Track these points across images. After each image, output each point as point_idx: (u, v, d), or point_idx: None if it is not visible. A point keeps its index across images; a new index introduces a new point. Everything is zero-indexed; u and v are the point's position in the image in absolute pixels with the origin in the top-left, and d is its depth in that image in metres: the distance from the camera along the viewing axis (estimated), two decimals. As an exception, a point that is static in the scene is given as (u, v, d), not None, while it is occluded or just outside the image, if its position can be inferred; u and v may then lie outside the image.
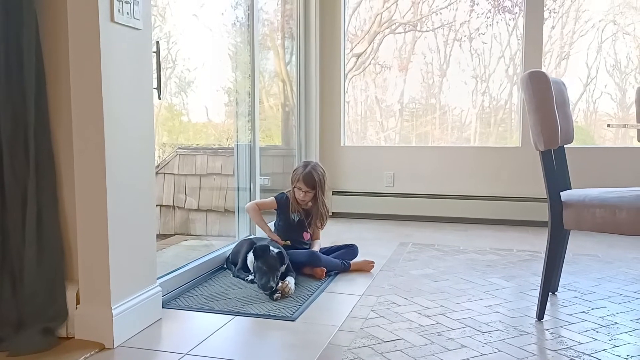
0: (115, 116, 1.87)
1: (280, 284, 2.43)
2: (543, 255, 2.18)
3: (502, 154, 4.27)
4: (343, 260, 2.86)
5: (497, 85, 4.57)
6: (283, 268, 2.55)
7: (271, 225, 3.07)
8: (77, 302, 1.91)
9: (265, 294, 2.40)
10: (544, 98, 2.03)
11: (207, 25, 3.37)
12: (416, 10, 4.68)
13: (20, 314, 1.83)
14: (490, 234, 3.84)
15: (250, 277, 2.62)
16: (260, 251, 2.52)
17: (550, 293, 2.36)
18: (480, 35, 4.47)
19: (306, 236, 3.00)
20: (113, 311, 1.87)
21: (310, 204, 2.98)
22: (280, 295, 2.39)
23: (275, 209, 3.03)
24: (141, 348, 1.87)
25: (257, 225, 3.07)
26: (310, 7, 4.37)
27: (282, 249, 2.65)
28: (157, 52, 2.19)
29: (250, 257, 2.62)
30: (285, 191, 3.04)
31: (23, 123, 1.80)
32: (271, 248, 2.55)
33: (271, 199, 3.04)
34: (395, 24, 4.72)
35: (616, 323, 2.11)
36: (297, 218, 2.98)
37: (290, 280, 2.49)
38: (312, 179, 2.91)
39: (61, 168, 1.91)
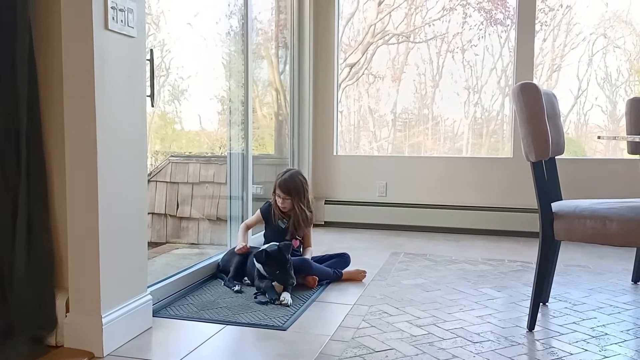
0: (107, 123, 1.86)
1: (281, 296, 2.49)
2: (534, 265, 2.18)
3: (493, 164, 4.29)
4: (335, 269, 2.85)
5: (489, 97, 4.61)
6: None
7: (261, 235, 3.09)
8: (67, 311, 1.90)
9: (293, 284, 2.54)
10: (535, 110, 2.04)
11: (201, 34, 3.38)
12: (409, 21, 4.72)
13: (9, 322, 1.81)
14: (481, 245, 3.85)
15: (237, 287, 2.62)
16: (265, 257, 2.55)
17: (541, 304, 2.37)
18: (473, 47, 4.51)
19: (295, 243, 2.97)
20: (103, 320, 1.86)
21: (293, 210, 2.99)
22: (280, 302, 2.42)
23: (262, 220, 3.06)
24: (131, 357, 1.86)
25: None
26: (304, 17, 4.39)
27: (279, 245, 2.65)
28: (151, 60, 2.19)
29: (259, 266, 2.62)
30: (270, 199, 3.06)
31: (15, 130, 1.79)
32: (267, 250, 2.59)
33: (256, 213, 3.10)
34: (388, 34, 4.75)
35: (606, 334, 2.11)
36: (284, 225, 2.98)
37: (286, 296, 2.49)
38: (287, 185, 2.93)
39: (53, 175, 1.90)
